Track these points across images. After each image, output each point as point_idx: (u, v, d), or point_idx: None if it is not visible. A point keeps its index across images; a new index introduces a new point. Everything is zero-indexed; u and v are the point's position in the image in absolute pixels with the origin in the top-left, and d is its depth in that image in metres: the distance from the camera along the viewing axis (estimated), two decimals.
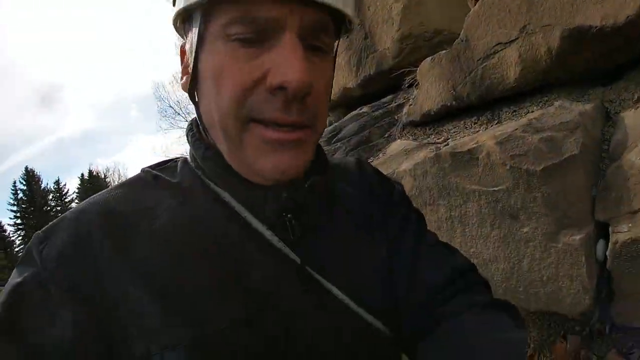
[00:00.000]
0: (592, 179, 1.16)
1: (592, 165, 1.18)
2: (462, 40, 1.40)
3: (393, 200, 0.63)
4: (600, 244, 1.18)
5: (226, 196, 0.49)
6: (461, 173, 1.27)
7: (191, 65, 0.47)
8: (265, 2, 0.40)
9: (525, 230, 1.16)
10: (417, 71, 1.66)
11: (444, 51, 1.52)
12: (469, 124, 1.48)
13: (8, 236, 37.46)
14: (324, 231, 0.53)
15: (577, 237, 1.14)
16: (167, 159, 0.58)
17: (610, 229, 1.13)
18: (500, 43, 1.31)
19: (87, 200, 0.49)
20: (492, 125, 1.37)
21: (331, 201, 0.56)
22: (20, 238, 37.65)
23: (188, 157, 0.55)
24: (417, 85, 1.64)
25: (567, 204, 1.13)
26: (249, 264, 0.47)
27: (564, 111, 1.21)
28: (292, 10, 0.41)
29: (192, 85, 0.49)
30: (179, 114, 20.66)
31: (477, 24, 1.38)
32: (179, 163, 0.55)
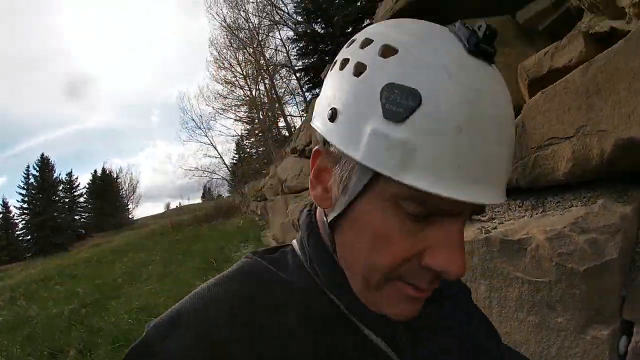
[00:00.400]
0: (624, 279, 1.26)
1: (626, 266, 1.27)
2: (519, 126, 1.48)
3: (469, 302, 0.73)
4: (623, 339, 1.27)
5: (339, 304, 0.52)
6: (507, 260, 1.32)
7: (346, 202, 0.47)
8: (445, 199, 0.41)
9: (559, 320, 1.22)
10: None
11: None
12: (513, 206, 1.54)
13: (12, 217, 37.44)
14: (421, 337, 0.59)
15: (605, 333, 1.21)
16: (273, 247, 0.61)
17: (634, 329, 1.22)
18: (556, 137, 1.38)
19: (200, 292, 0.51)
20: (537, 213, 1.43)
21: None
22: (23, 222, 37.65)
23: (296, 249, 0.58)
24: None
25: (601, 301, 1.21)
26: None
27: (606, 212, 1.29)
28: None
29: (337, 216, 0.49)
30: (199, 127, 20.68)
31: (535, 113, 1.45)
32: (288, 255, 0.58)
